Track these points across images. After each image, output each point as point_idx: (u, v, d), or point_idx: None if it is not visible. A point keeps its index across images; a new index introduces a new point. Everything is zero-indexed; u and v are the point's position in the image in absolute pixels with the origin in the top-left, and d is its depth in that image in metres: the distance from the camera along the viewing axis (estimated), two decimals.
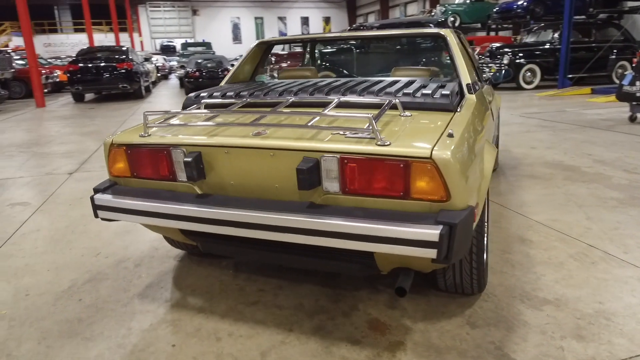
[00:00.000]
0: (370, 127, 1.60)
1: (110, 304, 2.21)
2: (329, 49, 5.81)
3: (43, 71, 14.31)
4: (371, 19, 35.75)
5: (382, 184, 1.59)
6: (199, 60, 14.12)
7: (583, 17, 11.99)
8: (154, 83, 18.11)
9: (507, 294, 2.14)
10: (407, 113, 1.92)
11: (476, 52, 12.68)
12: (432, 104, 1.96)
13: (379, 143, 1.58)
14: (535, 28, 12.12)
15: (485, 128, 2.26)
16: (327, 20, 38.44)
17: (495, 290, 2.18)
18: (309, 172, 1.61)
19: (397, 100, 1.91)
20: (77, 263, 2.66)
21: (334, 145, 1.62)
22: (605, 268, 2.36)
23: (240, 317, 2.05)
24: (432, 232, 1.46)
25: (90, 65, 11.91)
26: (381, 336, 1.88)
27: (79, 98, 12.73)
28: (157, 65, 20.09)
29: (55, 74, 15.63)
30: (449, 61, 3.99)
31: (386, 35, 2.79)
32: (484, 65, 11.26)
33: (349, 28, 10.71)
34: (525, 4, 13.55)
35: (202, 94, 2.40)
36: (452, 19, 17.71)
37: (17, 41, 26.80)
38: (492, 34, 17.81)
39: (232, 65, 13.00)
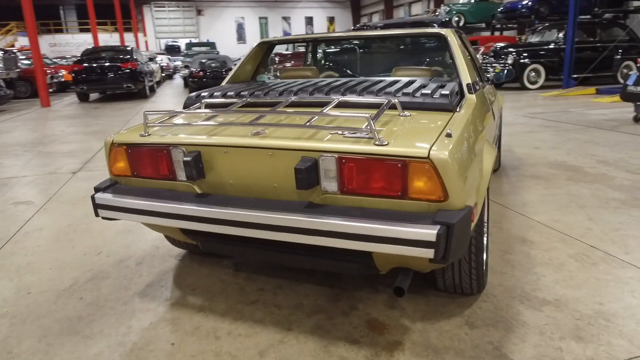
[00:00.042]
0: (369, 127, 1.61)
1: (110, 302, 2.22)
2: (332, 49, 5.81)
3: (48, 71, 14.40)
4: (375, 19, 35.72)
5: (380, 183, 1.59)
6: (203, 60, 14.16)
7: (588, 16, 11.94)
8: (159, 83, 18.17)
9: (506, 295, 2.14)
10: (407, 113, 1.92)
11: (480, 52, 12.65)
12: (432, 104, 1.96)
13: (376, 143, 1.58)
14: (539, 28, 12.08)
15: (485, 128, 2.26)
16: (331, 20, 38.44)
17: (495, 291, 2.17)
18: (307, 172, 1.61)
19: (396, 100, 1.92)
20: (79, 261, 2.67)
21: (332, 145, 1.62)
22: (606, 269, 2.35)
23: (239, 316, 2.06)
24: (429, 232, 1.46)
25: (94, 65, 11.97)
26: (380, 336, 1.88)
27: (83, 98, 12.79)
28: (161, 65, 20.15)
29: (60, 74, 15.72)
30: None
31: (387, 35, 2.79)
32: (488, 65, 11.24)
33: (352, 28, 10.71)
34: (530, 3, 13.51)
35: (202, 94, 2.41)
36: (456, 18, 17.66)
37: (23, 41, 26.97)
38: (497, 33, 17.76)
39: (236, 65, 13.03)
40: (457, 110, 1.96)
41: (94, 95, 14.00)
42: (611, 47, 10.75)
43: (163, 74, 20.56)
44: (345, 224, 1.55)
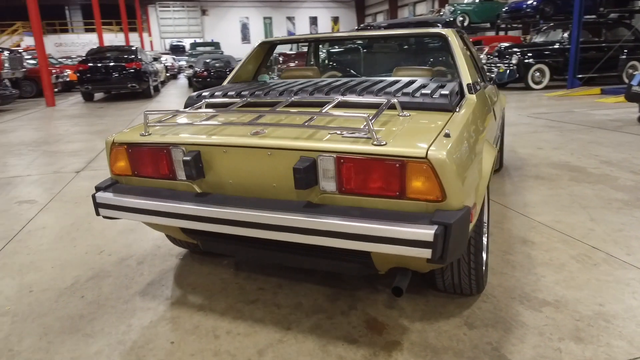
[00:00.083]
0: (367, 127, 1.61)
1: (111, 301, 2.24)
2: (335, 49, 5.82)
3: (53, 71, 14.48)
4: (380, 19, 35.68)
5: (378, 183, 1.60)
6: (207, 60, 14.20)
7: (593, 16, 11.87)
8: (163, 82, 18.23)
9: (506, 295, 2.13)
10: (406, 113, 1.92)
11: (485, 52, 12.61)
12: (431, 104, 1.96)
13: (375, 143, 1.58)
14: (544, 28, 12.03)
15: (486, 128, 2.25)
16: (335, 20, 38.44)
17: (495, 291, 2.17)
18: (306, 172, 1.62)
19: (395, 100, 1.92)
20: (81, 260, 2.69)
21: (330, 145, 1.63)
22: (607, 270, 2.34)
23: (239, 315, 2.06)
24: (426, 232, 1.46)
25: (99, 64, 12.02)
26: (378, 336, 1.88)
27: (88, 97, 12.85)
28: (166, 65, 20.22)
29: (66, 74, 15.80)
30: None
31: (387, 35, 2.79)
32: (492, 65, 11.21)
33: (356, 28, 10.71)
34: (534, 3, 13.45)
35: (203, 94, 2.42)
36: (461, 18, 17.62)
37: (29, 41, 27.15)
38: (502, 33, 17.70)
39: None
40: (457, 110, 1.96)
41: (98, 95, 14.07)
42: (616, 47, 10.69)
43: (167, 74, 20.64)
44: (342, 223, 1.56)
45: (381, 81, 2.40)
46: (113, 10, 29.59)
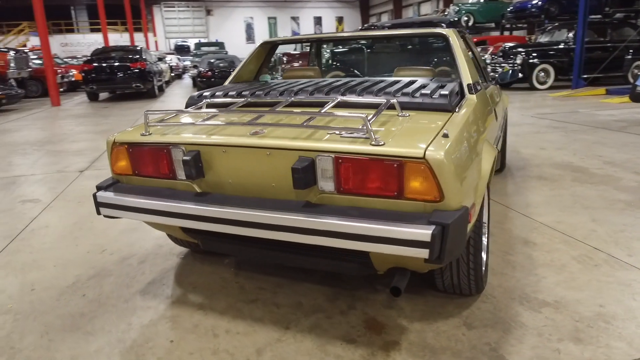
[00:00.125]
0: (365, 127, 1.61)
1: (112, 299, 2.25)
2: (339, 49, 5.82)
3: (59, 70, 14.56)
4: (384, 19, 35.65)
5: (376, 183, 1.60)
6: (212, 60, 14.24)
7: (599, 16, 11.81)
8: (168, 82, 18.29)
9: (506, 296, 2.13)
10: (405, 113, 1.92)
11: (489, 52, 12.57)
12: (430, 104, 1.96)
13: (373, 143, 1.59)
14: (549, 28, 11.97)
15: (487, 129, 2.25)
16: (340, 20, 38.43)
17: (495, 292, 2.17)
18: (304, 172, 1.62)
19: (394, 100, 1.92)
20: (83, 259, 2.71)
21: (328, 145, 1.63)
22: (608, 271, 2.33)
23: (238, 315, 2.07)
24: (424, 232, 1.47)
25: (104, 64, 12.08)
26: (377, 335, 1.88)
27: (93, 97, 12.92)
28: (170, 64, 20.28)
29: (71, 74, 15.89)
30: None
31: (388, 35, 2.79)
32: (496, 65, 11.16)
33: (360, 28, 10.71)
34: (539, 3, 13.39)
35: (204, 94, 2.43)
36: (465, 18, 17.58)
37: (35, 41, 27.28)
38: (507, 33, 17.63)
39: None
40: (457, 110, 1.96)
41: (103, 95, 14.13)
42: (622, 47, 10.63)
43: (172, 74, 20.69)
44: (340, 223, 1.56)
45: (381, 81, 2.40)
46: (118, 10, 29.70)
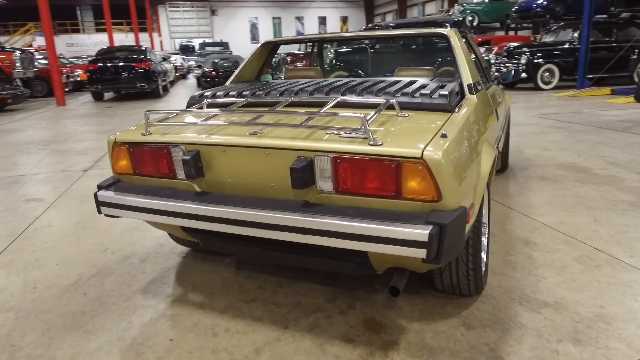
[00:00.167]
0: (363, 127, 1.61)
1: (113, 298, 2.26)
2: (343, 49, 5.83)
3: (64, 70, 14.64)
4: (389, 18, 35.60)
5: (374, 183, 1.60)
6: (216, 60, 14.28)
7: (604, 16, 11.74)
8: (172, 82, 18.35)
9: (506, 296, 2.13)
10: (405, 113, 1.92)
11: (494, 52, 12.53)
12: (430, 104, 1.95)
13: (371, 143, 1.59)
14: (554, 27, 11.92)
15: (486, 129, 2.25)
16: (344, 20, 38.43)
17: (494, 292, 2.16)
18: (303, 172, 1.62)
19: (393, 100, 1.92)
20: (85, 258, 2.72)
21: (327, 145, 1.63)
22: (609, 272, 2.32)
23: (238, 314, 2.08)
24: (421, 232, 1.47)
25: (109, 64, 12.14)
26: (375, 335, 1.88)
27: (98, 97, 12.99)
28: (175, 64, 20.35)
29: (76, 73, 15.97)
30: None
31: (389, 35, 2.79)
32: (501, 65, 11.13)
33: (364, 28, 10.71)
34: (545, 3, 13.34)
35: (205, 94, 2.44)
36: (470, 18, 17.54)
37: (41, 41, 27.45)
38: (512, 33, 17.58)
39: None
40: (456, 110, 1.96)
41: (108, 95, 14.20)
42: (627, 47, 10.57)
43: (177, 74, 20.78)
44: (338, 223, 1.56)
45: (381, 81, 2.40)
46: (123, 10, 29.85)
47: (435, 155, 1.51)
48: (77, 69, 16.48)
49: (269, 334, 1.92)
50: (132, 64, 12.19)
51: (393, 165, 1.55)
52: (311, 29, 37.58)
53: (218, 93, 2.40)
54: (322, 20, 37.90)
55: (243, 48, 32.65)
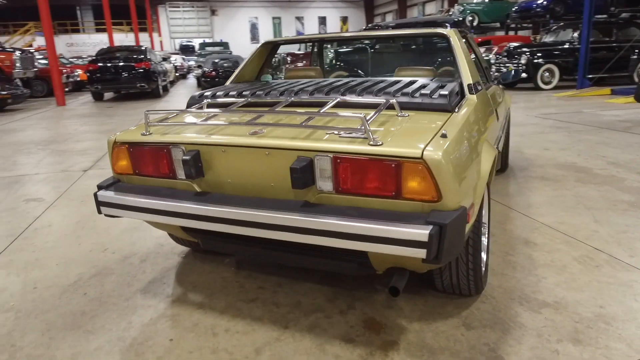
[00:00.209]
0: (363, 127, 1.61)
1: (113, 298, 2.26)
2: (343, 49, 5.83)
3: (64, 70, 14.64)
4: (389, 18, 35.61)
5: (374, 183, 1.60)
6: (216, 60, 14.28)
7: (604, 16, 11.74)
8: (172, 82, 18.35)
9: (506, 296, 2.13)
10: (405, 113, 1.92)
11: (494, 52, 12.53)
12: (430, 104, 1.96)
13: (371, 143, 1.59)
14: (554, 27, 11.92)
15: (486, 129, 2.25)
16: (344, 20, 38.43)
17: (494, 292, 2.16)
18: (303, 172, 1.62)
19: (394, 100, 1.92)
20: (85, 258, 2.72)
21: (327, 145, 1.63)
22: (609, 272, 2.32)
23: (238, 314, 2.08)
24: (421, 232, 1.47)
25: (109, 64, 12.15)
26: (375, 335, 1.88)
27: (98, 97, 12.99)
28: (175, 64, 20.36)
29: (76, 73, 15.97)
30: None
31: (388, 35, 2.79)
32: (500, 65, 11.13)
33: (364, 28, 10.71)
34: (545, 3, 13.34)
35: (205, 94, 2.44)
36: (470, 18, 17.54)
37: (41, 41, 27.45)
38: (512, 33, 17.58)
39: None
40: (456, 110, 1.96)
41: (108, 95, 14.20)
42: (627, 47, 10.57)
43: (177, 74, 20.78)
44: (338, 223, 1.56)
45: (381, 81, 2.40)
46: (123, 10, 29.85)
47: (435, 155, 1.51)
48: (77, 69, 16.48)
49: (269, 334, 1.92)
50: (132, 64, 12.19)
51: (393, 165, 1.55)
52: (311, 29, 37.59)
53: (218, 93, 2.40)
54: (322, 20, 37.90)
55: (243, 48, 32.64)
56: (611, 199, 3.37)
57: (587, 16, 10.13)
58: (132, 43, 29.51)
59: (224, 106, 2.31)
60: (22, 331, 2.01)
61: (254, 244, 1.98)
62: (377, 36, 2.84)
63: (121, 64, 12.18)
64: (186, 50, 29.70)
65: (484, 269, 2.15)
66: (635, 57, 10.68)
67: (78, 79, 16.00)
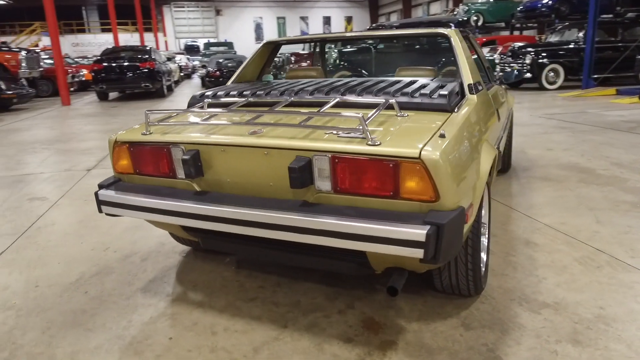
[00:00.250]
0: (362, 127, 1.61)
1: (114, 296, 2.27)
2: (347, 49, 5.83)
3: (69, 70, 14.71)
4: (393, 18, 35.56)
5: (372, 183, 1.60)
6: (220, 60, 14.32)
7: (610, 16, 11.68)
8: (177, 82, 18.40)
9: (505, 297, 2.12)
10: (404, 113, 1.92)
11: (498, 52, 12.48)
12: (429, 104, 1.95)
13: (369, 143, 1.59)
14: (559, 27, 11.86)
15: (486, 129, 2.24)
16: (349, 19, 38.41)
17: (494, 293, 2.16)
18: (301, 171, 1.63)
19: (393, 100, 1.92)
20: (87, 257, 2.74)
21: (325, 145, 1.64)
22: (610, 272, 2.31)
23: (237, 313, 2.08)
24: (418, 232, 1.47)
25: (114, 64, 12.20)
26: (374, 335, 1.88)
27: (103, 97, 13.05)
28: (180, 64, 20.41)
29: (81, 73, 16.05)
30: None
31: (390, 35, 2.79)
32: (505, 65, 11.09)
33: (368, 27, 10.70)
34: (550, 2, 13.28)
35: (206, 93, 2.45)
36: (475, 18, 17.47)
37: (47, 41, 27.61)
38: (517, 33, 17.51)
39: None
40: (456, 110, 1.96)
41: (113, 94, 14.26)
42: (633, 47, 10.50)
43: (182, 74, 20.83)
44: (336, 223, 1.57)
45: (381, 81, 2.40)
46: (129, 10, 29.95)
47: (433, 155, 1.51)
48: (83, 68, 16.57)
49: (268, 333, 1.92)
50: (137, 63, 12.24)
51: (391, 165, 1.55)
52: (316, 28, 37.59)
53: (219, 93, 2.41)
54: (327, 20, 37.90)
55: (247, 48, 32.68)
56: (614, 199, 3.35)
57: (592, 16, 10.08)
58: (137, 43, 29.62)
59: (224, 106, 2.32)
60: (23, 329, 2.02)
61: (253, 244, 1.98)
62: (379, 36, 2.84)
63: (126, 63, 12.24)
64: (191, 50, 29.79)
65: (483, 269, 2.15)
66: None
67: (83, 78, 16.08)
